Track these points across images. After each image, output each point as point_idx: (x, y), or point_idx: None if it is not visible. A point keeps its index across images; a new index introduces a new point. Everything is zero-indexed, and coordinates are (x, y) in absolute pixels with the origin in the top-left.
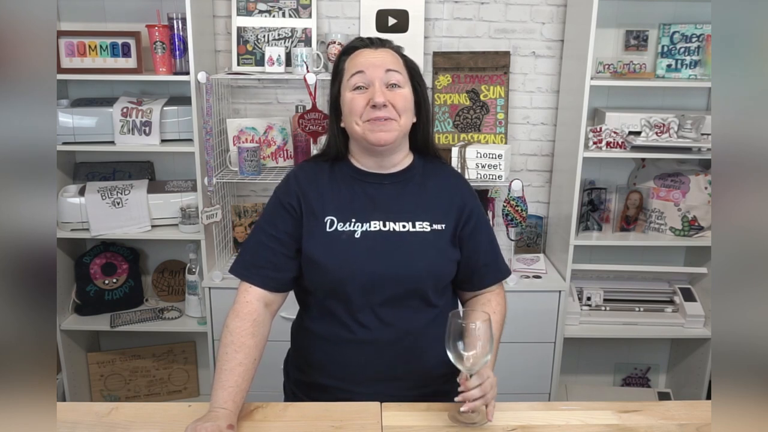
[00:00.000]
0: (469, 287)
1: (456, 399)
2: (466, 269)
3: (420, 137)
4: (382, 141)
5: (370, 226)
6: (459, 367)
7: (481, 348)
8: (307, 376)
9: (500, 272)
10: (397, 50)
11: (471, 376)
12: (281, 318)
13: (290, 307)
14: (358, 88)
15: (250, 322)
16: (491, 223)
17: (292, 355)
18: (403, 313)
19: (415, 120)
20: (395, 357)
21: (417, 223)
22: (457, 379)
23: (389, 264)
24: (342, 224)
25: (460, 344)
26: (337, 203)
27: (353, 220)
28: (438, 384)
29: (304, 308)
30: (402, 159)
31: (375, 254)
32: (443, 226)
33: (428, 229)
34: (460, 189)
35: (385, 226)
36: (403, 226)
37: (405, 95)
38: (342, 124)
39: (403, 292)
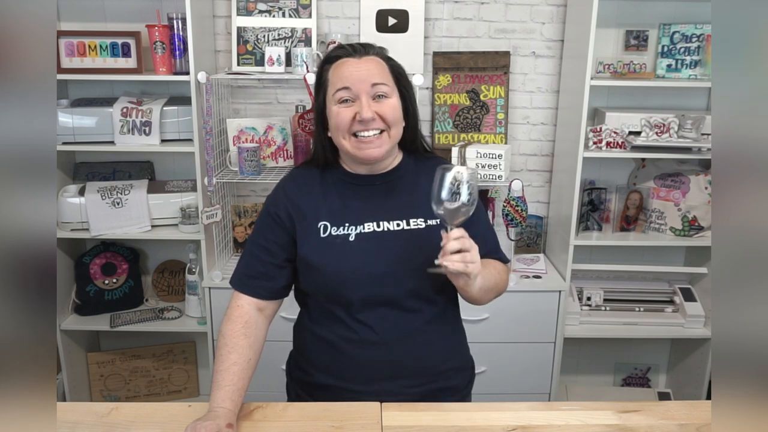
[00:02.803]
0: None
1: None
2: None
3: (408, 138)
4: (371, 157)
5: (363, 228)
6: (443, 216)
7: (467, 197)
8: (309, 377)
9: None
10: (382, 55)
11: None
12: (282, 318)
13: (291, 307)
14: (344, 101)
15: (240, 323)
16: (491, 222)
17: (294, 356)
18: (403, 312)
19: (404, 124)
20: (397, 356)
21: (411, 221)
22: (441, 233)
23: (386, 263)
24: (335, 228)
25: (446, 194)
26: (329, 208)
27: (346, 223)
28: (441, 381)
29: (305, 309)
30: (392, 161)
31: (371, 255)
32: (438, 221)
33: (423, 225)
34: None
35: (378, 226)
36: (398, 225)
37: (393, 105)
38: (329, 134)
39: (402, 291)
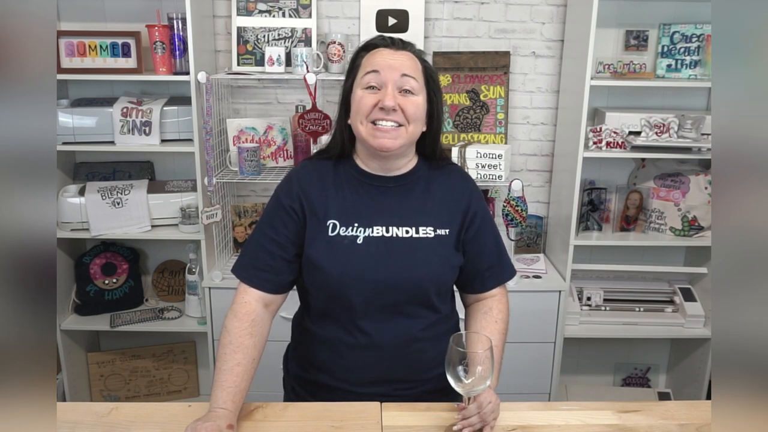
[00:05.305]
0: (471, 290)
1: (455, 428)
2: (469, 272)
3: (428, 145)
4: (385, 147)
5: (372, 232)
6: (458, 390)
7: (480, 374)
8: (307, 374)
9: (504, 274)
10: (419, 55)
11: (470, 400)
12: (281, 318)
13: (290, 307)
14: (370, 87)
15: (248, 322)
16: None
17: (293, 351)
18: (404, 318)
19: (425, 129)
20: (396, 360)
21: (421, 229)
22: (456, 405)
23: (391, 271)
24: (344, 229)
25: (460, 369)
26: (340, 206)
27: (356, 224)
28: (433, 383)
29: (305, 306)
30: (407, 163)
31: (377, 260)
32: (447, 231)
33: (432, 234)
34: (466, 191)
35: (388, 231)
36: (407, 232)
37: (417, 103)
38: (350, 121)
39: (405, 299)
